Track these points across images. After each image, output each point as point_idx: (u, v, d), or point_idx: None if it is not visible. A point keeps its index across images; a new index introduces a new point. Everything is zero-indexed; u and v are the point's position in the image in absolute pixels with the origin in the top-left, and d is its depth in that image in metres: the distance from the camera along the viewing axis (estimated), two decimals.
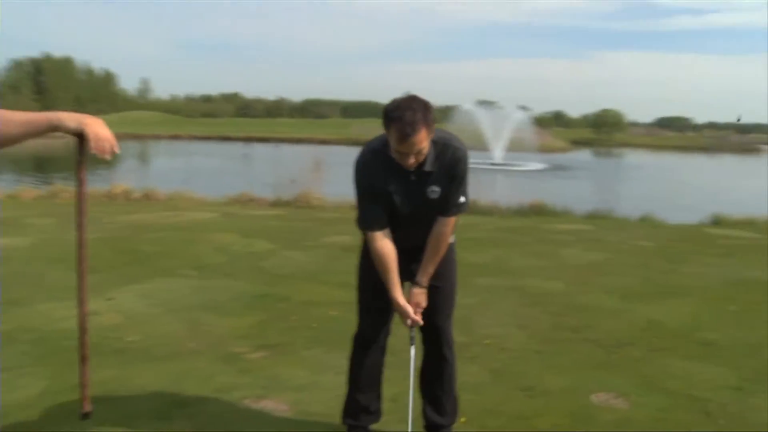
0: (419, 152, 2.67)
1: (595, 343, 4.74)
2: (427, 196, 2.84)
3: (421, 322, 2.97)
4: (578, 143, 73.91)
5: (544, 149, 48.37)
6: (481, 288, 6.14)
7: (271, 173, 17.82)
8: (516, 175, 31.28)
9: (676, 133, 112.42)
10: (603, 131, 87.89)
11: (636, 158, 54.53)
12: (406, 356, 3.01)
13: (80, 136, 2.00)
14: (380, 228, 2.89)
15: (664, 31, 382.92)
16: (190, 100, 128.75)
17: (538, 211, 13.14)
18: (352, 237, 8.57)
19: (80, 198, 2.13)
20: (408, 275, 2.99)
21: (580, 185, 28.06)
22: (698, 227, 11.46)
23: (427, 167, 2.78)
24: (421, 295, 2.96)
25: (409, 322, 2.94)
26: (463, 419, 3.35)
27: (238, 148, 49.70)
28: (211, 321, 5.05)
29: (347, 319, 5.15)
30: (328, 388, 3.78)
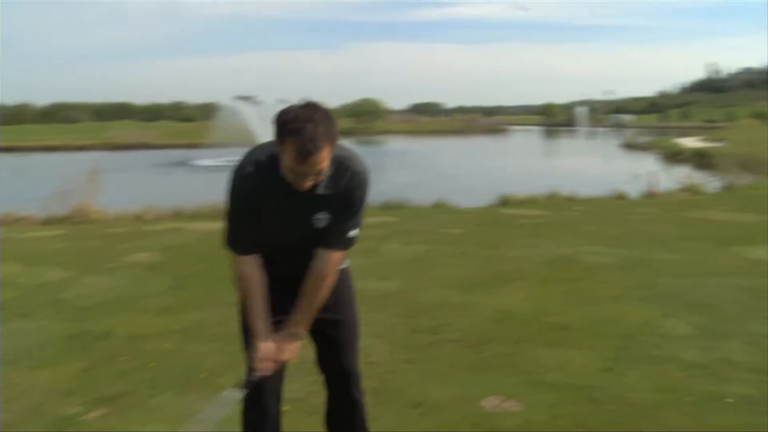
0: (319, 172, 2.20)
1: (459, 344, 4.61)
2: (311, 223, 2.37)
3: (268, 373, 2.42)
4: (342, 133, 75.72)
5: None
6: None
7: (35, 187, 15.82)
8: None
9: (430, 118, 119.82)
10: (363, 120, 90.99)
11: (399, 144, 57.02)
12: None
13: None
14: (251, 252, 2.41)
15: (412, 22, 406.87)
16: None
17: None
18: (154, 253, 7.85)
19: None
20: (289, 309, 2.48)
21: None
22: (493, 209, 12.07)
23: (319, 189, 2.29)
24: (288, 345, 2.43)
25: (261, 367, 2.39)
26: None
27: None
28: (22, 377, 4.14)
29: (187, 352, 4.59)
30: None
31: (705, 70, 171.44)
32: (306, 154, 2.10)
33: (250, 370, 2.43)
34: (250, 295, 2.42)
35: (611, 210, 11.34)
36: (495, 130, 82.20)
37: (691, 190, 13.59)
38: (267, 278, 2.45)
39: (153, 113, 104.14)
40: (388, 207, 12.97)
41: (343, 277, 2.63)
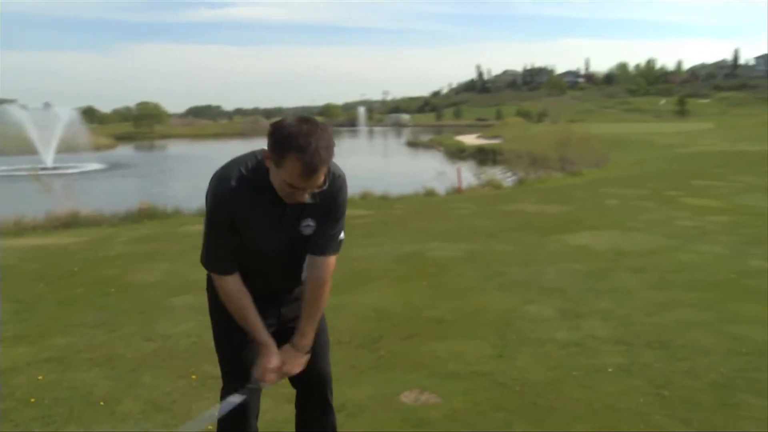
0: (319, 187, 2.19)
1: (351, 345, 4.67)
2: (300, 231, 2.37)
3: (270, 385, 2.44)
4: (121, 138, 72.20)
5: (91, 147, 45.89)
6: (191, 311, 5.56)
7: None
8: (80, 178, 28.91)
9: (210, 122, 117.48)
10: (143, 124, 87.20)
11: (182, 149, 55.33)
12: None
13: None
14: (234, 270, 2.35)
15: (185, 23, 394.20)
16: None
17: (150, 214, 12.36)
18: None
19: None
20: (276, 320, 2.53)
21: (153, 181, 27.34)
22: None
23: (306, 198, 2.27)
24: (298, 359, 2.45)
25: (268, 378, 2.38)
26: None
27: None
28: None
29: (68, 381, 4.19)
30: None
31: (476, 72, 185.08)
32: (312, 171, 2.09)
33: (246, 380, 2.37)
34: (244, 312, 2.34)
35: (431, 207, 11.99)
36: None
37: (491, 184, 14.75)
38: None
39: None
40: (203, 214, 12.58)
41: None
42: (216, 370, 3.94)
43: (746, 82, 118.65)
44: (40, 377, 4.20)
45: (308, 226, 2.35)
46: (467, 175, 16.19)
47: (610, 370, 4.09)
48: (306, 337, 2.44)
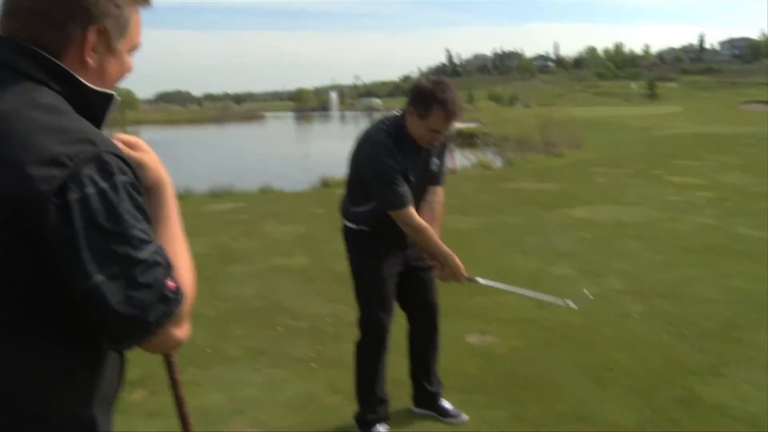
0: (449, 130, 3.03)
1: None
2: (430, 168, 3.15)
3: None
4: None
5: None
6: (249, 276, 6.21)
7: None
8: None
9: (180, 107, 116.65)
10: (116, 110, 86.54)
11: (158, 135, 54.92)
12: None
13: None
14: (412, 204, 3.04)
15: (153, 8, 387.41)
16: None
17: None
18: None
19: None
20: (401, 260, 3.22)
21: None
22: (323, 191, 12.79)
23: None
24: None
25: (464, 275, 3.13)
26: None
27: None
28: None
29: None
30: None
31: (445, 56, 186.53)
32: (453, 116, 2.88)
33: (390, 312, 3.16)
34: (434, 238, 3.06)
35: None
36: (251, 117, 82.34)
37: (482, 165, 15.48)
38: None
39: None
40: (217, 195, 13.11)
41: None
42: (297, 323, 4.72)
43: (711, 66, 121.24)
44: None
45: (435, 163, 3.16)
46: (457, 156, 16.90)
47: (635, 315, 4.87)
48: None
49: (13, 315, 1.08)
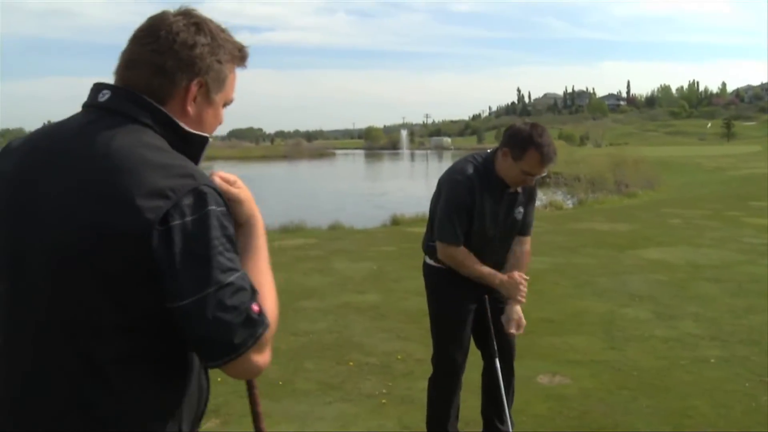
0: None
1: None
2: (514, 216, 3.16)
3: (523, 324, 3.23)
4: None
5: None
6: (321, 312, 6.32)
7: None
8: None
9: (252, 144, 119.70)
10: None
11: (231, 170, 56.24)
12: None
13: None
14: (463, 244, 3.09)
15: None
16: None
17: None
18: None
19: None
20: (481, 294, 3.23)
21: None
22: (392, 228, 12.92)
23: (518, 188, 3.11)
24: (520, 312, 3.21)
25: (520, 295, 3.11)
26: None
27: None
28: None
29: None
30: None
31: (516, 95, 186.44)
32: (548, 161, 2.91)
33: (464, 352, 3.23)
34: (476, 266, 3.07)
35: None
36: (321, 155, 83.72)
37: (553, 205, 15.37)
38: None
39: None
40: (288, 230, 13.40)
41: None
42: (368, 359, 4.76)
43: None
44: None
45: (519, 212, 3.17)
46: None
47: (712, 360, 4.74)
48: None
49: (129, 341, 1.21)
